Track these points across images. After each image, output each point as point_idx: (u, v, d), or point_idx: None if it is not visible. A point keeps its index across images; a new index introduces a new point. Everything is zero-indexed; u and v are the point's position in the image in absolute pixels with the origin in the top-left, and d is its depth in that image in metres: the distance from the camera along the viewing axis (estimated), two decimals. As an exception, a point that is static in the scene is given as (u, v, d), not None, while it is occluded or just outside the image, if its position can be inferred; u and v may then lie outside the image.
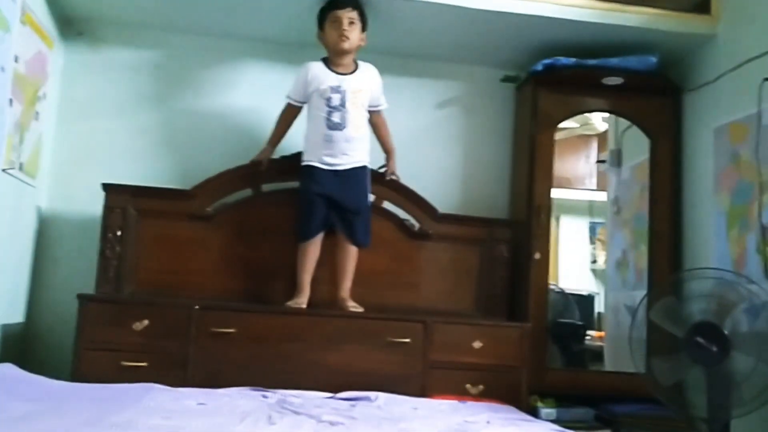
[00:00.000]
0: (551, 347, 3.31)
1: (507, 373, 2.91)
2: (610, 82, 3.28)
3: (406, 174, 3.23)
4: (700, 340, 2.48)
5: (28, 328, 3.11)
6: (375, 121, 3.08)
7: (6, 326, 2.88)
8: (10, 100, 2.70)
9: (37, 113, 3.02)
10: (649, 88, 3.32)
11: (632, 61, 3.25)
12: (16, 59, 2.74)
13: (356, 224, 2.96)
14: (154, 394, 2.43)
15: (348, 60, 2.99)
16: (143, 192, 3.04)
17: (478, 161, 3.59)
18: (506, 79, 3.59)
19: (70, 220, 3.24)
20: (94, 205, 3.04)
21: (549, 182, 3.26)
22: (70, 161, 3.29)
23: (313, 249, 2.96)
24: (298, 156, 3.08)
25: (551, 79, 3.27)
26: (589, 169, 3.92)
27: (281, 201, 3.13)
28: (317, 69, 2.96)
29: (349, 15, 2.93)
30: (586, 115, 3.68)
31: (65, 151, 3.29)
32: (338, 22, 2.92)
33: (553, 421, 2.71)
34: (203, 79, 3.43)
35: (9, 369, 2.49)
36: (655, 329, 2.73)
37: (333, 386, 2.71)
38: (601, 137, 3.89)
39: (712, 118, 3.13)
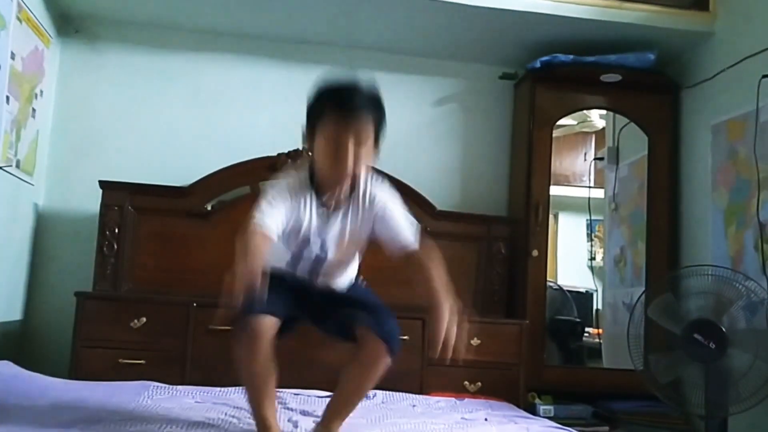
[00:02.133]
0: (549, 344, 3.31)
1: (505, 371, 2.91)
2: (607, 79, 3.27)
3: (404, 171, 3.22)
4: (697, 337, 2.49)
5: (25, 326, 3.11)
6: (413, 259, 1.88)
7: (3, 324, 2.87)
8: (7, 98, 2.70)
9: (33, 110, 3.02)
10: (647, 85, 3.32)
11: (630, 58, 3.24)
12: (13, 56, 2.74)
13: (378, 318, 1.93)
14: (151, 392, 2.43)
15: (347, 185, 1.84)
16: (140, 189, 3.03)
17: (476, 158, 3.58)
18: (504, 77, 3.59)
19: (67, 217, 3.23)
20: (91, 202, 3.04)
21: (547, 179, 3.26)
22: (68, 159, 3.29)
23: (265, 346, 1.81)
24: (296, 153, 3.07)
25: (549, 76, 3.27)
26: (587, 166, 3.92)
27: (279, 198, 3.13)
28: (300, 196, 1.85)
29: (358, 130, 1.76)
30: (584, 112, 3.68)
31: (62, 149, 3.29)
32: (342, 144, 1.76)
33: (550, 418, 2.71)
34: (199, 76, 3.42)
35: (6, 367, 2.48)
36: (653, 326, 2.74)
37: (331, 384, 2.68)
38: (599, 134, 3.89)
39: (709, 115, 3.13)
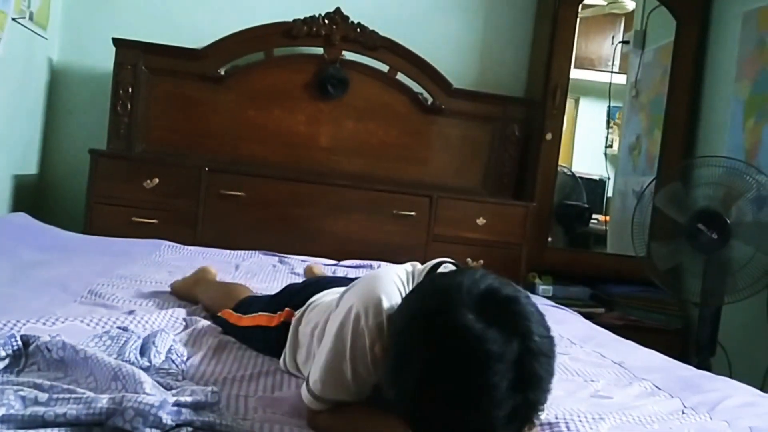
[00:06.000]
0: (556, 228, 3.35)
1: (508, 250, 2.96)
2: (641, -43, 3.13)
3: (421, 44, 3.15)
4: (701, 227, 2.50)
5: (41, 180, 3.17)
6: None
7: (19, 177, 2.93)
8: (18, -54, 2.63)
9: (46, -39, 2.94)
10: (681, -34, 3.17)
11: (667, -65, 3.08)
12: None
13: None
14: (163, 251, 2.51)
15: None
16: (154, 49, 2.99)
17: (497, 35, 3.47)
18: (533, -52, 3.43)
19: (82, 73, 3.21)
20: (105, 60, 3.01)
21: (568, 61, 3.18)
22: (82, 13, 3.22)
23: None
24: (313, 20, 3.00)
25: (580, -50, 3.12)
26: (613, 50, 3.80)
27: (293, 66, 3.09)
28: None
29: None
30: (615, -9, 3.54)
31: (76, 2, 3.21)
32: None
33: (549, 298, 2.78)
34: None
35: (22, 218, 2.56)
36: (659, 214, 2.75)
37: (337, 254, 2.77)
38: (629, 17, 3.75)
39: (741, 2, 3.00)
